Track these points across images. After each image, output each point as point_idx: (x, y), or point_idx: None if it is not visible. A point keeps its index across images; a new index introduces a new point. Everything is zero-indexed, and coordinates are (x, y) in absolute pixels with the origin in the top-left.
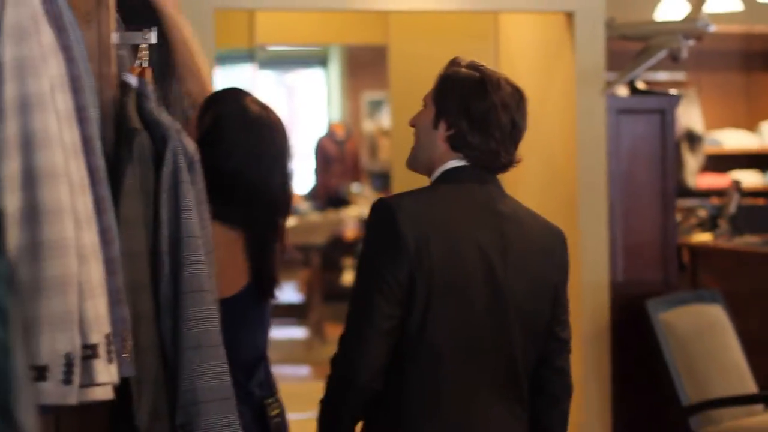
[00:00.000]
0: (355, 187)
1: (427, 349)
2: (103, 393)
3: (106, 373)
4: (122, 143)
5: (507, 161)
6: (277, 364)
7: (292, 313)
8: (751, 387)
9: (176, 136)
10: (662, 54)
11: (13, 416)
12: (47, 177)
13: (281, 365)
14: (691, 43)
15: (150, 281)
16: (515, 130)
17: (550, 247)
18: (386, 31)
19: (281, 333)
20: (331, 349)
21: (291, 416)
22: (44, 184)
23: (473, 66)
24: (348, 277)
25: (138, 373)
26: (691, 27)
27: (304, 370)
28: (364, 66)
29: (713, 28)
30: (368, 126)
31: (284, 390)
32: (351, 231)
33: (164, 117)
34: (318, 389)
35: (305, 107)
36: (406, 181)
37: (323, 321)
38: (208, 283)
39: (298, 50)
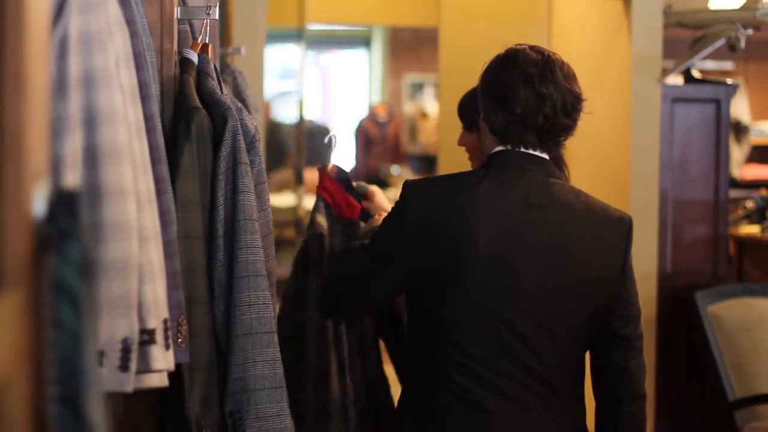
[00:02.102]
0: (395, 169)
1: (432, 330)
2: (159, 380)
3: (163, 360)
4: (181, 122)
5: (539, 137)
6: None
7: None
8: None
9: (236, 116)
10: (720, 43)
11: (81, 410)
12: (111, 155)
13: None
14: (750, 32)
15: (205, 265)
16: (543, 102)
17: (600, 240)
18: (438, 12)
19: None
20: None
21: None
22: (108, 162)
23: (506, 49)
24: None
25: (191, 359)
26: (750, 16)
27: None
28: (407, 48)
29: None
30: (409, 108)
31: None
32: None
33: (224, 96)
34: None
35: (348, 88)
36: (451, 165)
37: None
38: (263, 268)
39: (343, 30)
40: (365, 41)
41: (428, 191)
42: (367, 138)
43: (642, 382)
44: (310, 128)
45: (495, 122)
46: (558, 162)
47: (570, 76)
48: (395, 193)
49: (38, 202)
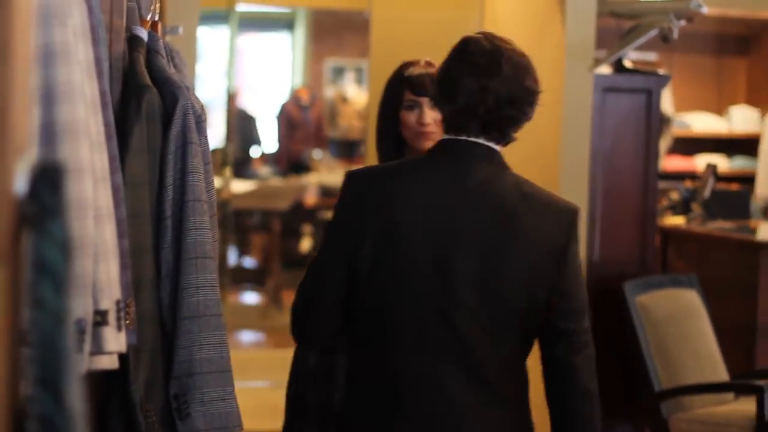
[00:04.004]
0: (316, 154)
1: (371, 322)
2: (109, 362)
3: (115, 341)
4: (131, 100)
5: (482, 127)
6: (233, 330)
7: (249, 279)
8: (723, 375)
9: (186, 94)
10: (652, 33)
11: (61, 392)
12: (69, 133)
13: (237, 331)
14: (683, 23)
15: (152, 245)
16: (485, 94)
17: (539, 230)
18: None
19: (238, 299)
20: (288, 316)
21: (246, 384)
22: (66, 139)
23: (462, 37)
24: (307, 244)
25: (137, 341)
26: (684, 7)
27: (260, 337)
28: (329, 32)
29: (705, 10)
30: (329, 93)
31: (240, 357)
32: (311, 197)
33: (174, 74)
34: (273, 357)
35: (271, 71)
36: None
37: (281, 288)
38: (212, 250)
39: (266, 12)
40: (288, 24)
41: (367, 181)
42: (289, 121)
43: (589, 378)
44: (240, 113)
45: (443, 111)
46: None
47: (521, 68)
48: (318, 177)
49: (21, 178)
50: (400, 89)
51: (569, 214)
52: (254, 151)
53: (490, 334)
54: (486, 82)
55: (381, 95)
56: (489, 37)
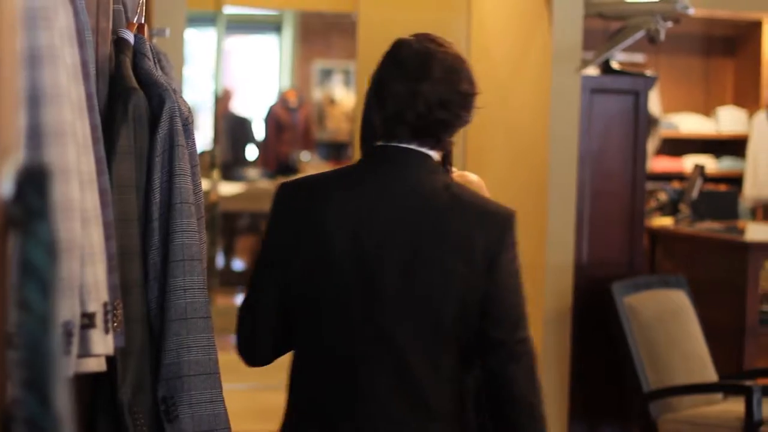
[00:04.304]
0: (305, 156)
1: (306, 335)
2: (97, 364)
3: (102, 344)
4: (118, 103)
5: (413, 132)
6: (222, 333)
7: (238, 281)
8: (711, 375)
9: (173, 97)
10: (639, 35)
11: (47, 394)
12: (55, 135)
13: (225, 334)
14: (670, 24)
15: (140, 248)
16: (415, 98)
17: (466, 235)
18: None
19: (225, 301)
20: None
21: (234, 386)
22: (52, 142)
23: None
24: None
25: (125, 344)
26: (670, 8)
27: None
28: (316, 34)
29: (692, 11)
30: (317, 95)
31: (228, 359)
32: None
33: (161, 76)
34: None
35: (259, 73)
36: None
37: None
38: (199, 252)
39: (254, 15)
40: (276, 26)
41: (295, 192)
42: (277, 124)
43: (527, 390)
44: (230, 114)
45: (375, 117)
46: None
47: (454, 71)
48: None
49: (7, 181)
50: None
51: (502, 219)
52: (250, 154)
53: (423, 345)
54: (415, 86)
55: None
56: (422, 39)
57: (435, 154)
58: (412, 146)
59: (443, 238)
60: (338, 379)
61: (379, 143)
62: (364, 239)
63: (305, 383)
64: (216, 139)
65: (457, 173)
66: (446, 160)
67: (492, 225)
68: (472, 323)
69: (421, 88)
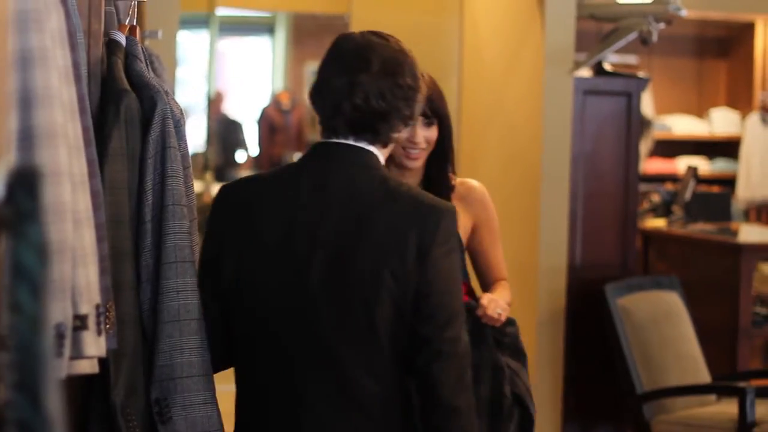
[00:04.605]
0: (297, 157)
1: (239, 334)
2: (89, 366)
3: (95, 346)
4: (110, 105)
5: (351, 126)
6: None
7: None
8: (705, 377)
9: (165, 99)
10: (632, 36)
11: (39, 396)
12: (47, 137)
13: None
14: (662, 26)
15: (132, 250)
16: (352, 91)
17: (397, 230)
18: (349, 0)
19: None
20: None
21: (227, 388)
22: (43, 144)
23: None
24: None
25: (117, 345)
26: (663, 10)
27: None
28: (309, 35)
29: (684, 12)
30: None
31: None
32: None
33: (153, 78)
34: None
35: (250, 74)
36: None
37: None
38: (191, 254)
39: (247, 16)
40: (269, 28)
41: (231, 193)
42: (270, 125)
43: (453, 392)
44: (222, 116)
45: (318, 113)
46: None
47: (394, 63)
48: None
49: None
50: None
51: (435, 214)
52: (240, 156)
53: (359, 350)
54: (353, 78)
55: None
56: (366, 33)
57: (376, 150)
58: (350, 141)
59: (373, 237)
60: (278, 390)
61: (319, 140)
62: (296, 241)
63: (247, 393)
64: (209, 141)
65: (458, 180)
66: (446, 166)
67: (424, 219)
68: (406, 321)
69: (359, 80)
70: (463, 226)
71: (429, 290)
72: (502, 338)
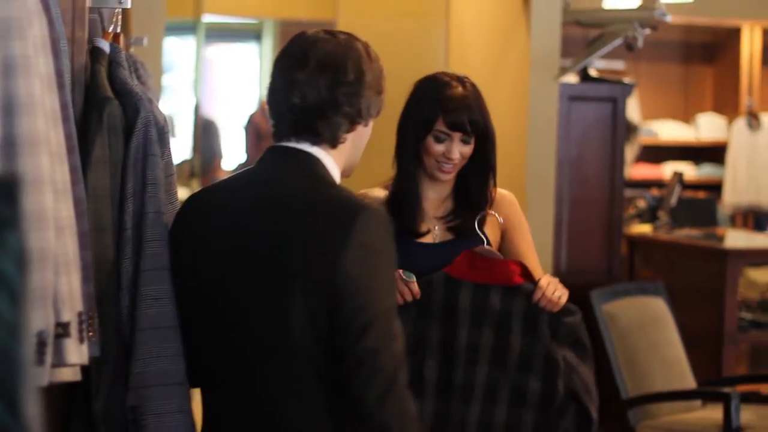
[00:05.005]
0: None
1: (188, 348)
2: (72, 374)
3: (77, 353)
4: (93, 112)
5: (293, 128)
6: None
7: None
8: (690, 382)
9: (148, 106)
10: (617, 42)
11: (17, 406)
12: (29, 145)
13: None
14: (648, 31)
15: (114, 257)
16: (290, 90)
17: (318, 237)
18: (334, 6)
19: None
20: None
21: None
22: (26, 152)
23: None
24: None
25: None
26: (648, 16)
27: None
28: None
29: (670, 18)
30: None
31: None
32: None
33: (136, 86)
34: None
35: (238, 81)
36: None
37: None
38: (169, 262)
39: (233, 23)
40: (256, 35)
41: (191, 201)
42: (257, 132)
43: (376, 409)
44: (204, 122)
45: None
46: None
47: (335, 57)
48: None
49: None
50: (433, 114)
51: (350, 216)
52: (219, 161)
53: (281, 366)
54: (290, 76)
55: (407, 106)
56: (317, 30)
57: (322, 152)
58: (291, 143)
59: (297, 244)
60: (219, 409)
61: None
62: (225, 251)
63: (204, 413)
64: (195, 149)
65: (498, 191)
66: (488, 180)
67: (339, 223)
68: (336, 340)
69: (296, 78)
70: (493, 233)
71: (341, 297)
72: (558, 328)
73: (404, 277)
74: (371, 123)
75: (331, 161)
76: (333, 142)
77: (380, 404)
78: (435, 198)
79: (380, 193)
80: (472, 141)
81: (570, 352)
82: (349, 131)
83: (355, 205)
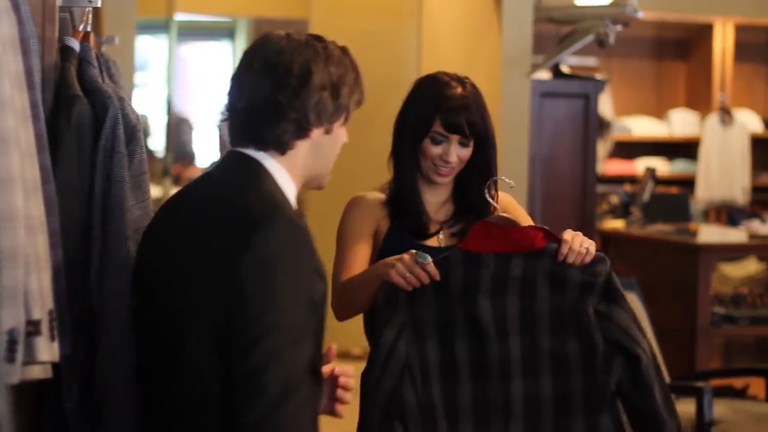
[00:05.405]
0: None
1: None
2: (42, 372)
3: (48, 351)
4: (62, 110)
5: (241, 133)
6: None
7: None
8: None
9: (117, 105)
10: (589, 38)
11: None
12: None
13: None
14: (619, 28)
15: (84, 256)
16: (237, 92)
17: (216, 247)
18: (307, 5)
19: None
20: None
21: None
22: None
23: None
24: None
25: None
26: (620, 12)
27: None
28: None
29: (641, 14)
30: None
31: None
32: None
33: (106, 84)
34: None
35: (211, 80)
36: None
37: None
38: (130, 259)
39: (207, 22)
40: (229, 33)
41: (162, 206)
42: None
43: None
44: (177, 121)
45: None
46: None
47: (281, 55)
48: None
49: None
50: (430, 114)
51: (257, 221)
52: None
53: (184, 379)
54: (239, 78)
55: (405, 105)
56: (279, 32)
57: (269, 158)
58: (239, 148)
59: (200, 254)
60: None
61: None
62: (153, 257)
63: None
64: (168, 147)
65: (501, 194)
66: (483, 186)
67: (239, 232)
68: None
69: (243, 79)
70: None
71: (236, 306)
72: (594, 279)
73: (419, 259)
74: (337, 130)
75: (280, 168)
76: (280, 149)
77: (257, 430)
78: (434, 202)
79: (377, 195)
80: (471, 144)
81: (602, 302)
82: (298, 137)
83: (266, 212)
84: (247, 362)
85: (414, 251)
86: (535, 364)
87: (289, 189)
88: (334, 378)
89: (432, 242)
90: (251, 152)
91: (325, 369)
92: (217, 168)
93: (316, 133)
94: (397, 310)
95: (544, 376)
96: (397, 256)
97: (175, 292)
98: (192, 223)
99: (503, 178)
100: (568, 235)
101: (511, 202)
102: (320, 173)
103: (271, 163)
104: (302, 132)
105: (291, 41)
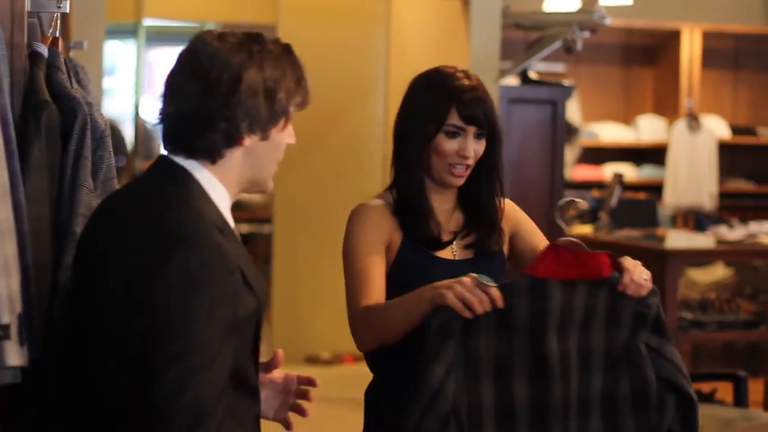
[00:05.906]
0: None
1: None
2: (12, 376)
3: (17, 356)
4: (30, 116)
5: (170, 140)
6: None
7: None
8: None
9: (86, 110)
10: (557, 45)
11: None
12: None
13: None
14: (587, 34)
15: (52, 260)
16: (168, 95)
17: (129, 261)
18: (275, 9)
19: None
20: None
21: None
22: None
23: None
24: None
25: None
26: (587, 18)
27: None
28: None
29: (609, 21)
30: None
31: None
32: None
33: (75, 89)
34: None
35: None
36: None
37: None
38: None
39: (175, 27)
40: None
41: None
42: None
43: None
44: (145, 126)
45: None
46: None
47: (204, 57)
48: None
49: None
50: (445, 106)
51: (168, 243)
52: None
53: (108, 404)
54: (169, 82)
55: (408, 103)
56: (213, 31)
57: (199, 167)
58: (168, 155)
59: (113, 265)
60: None
61: None
62: (82, 265)
63: None
64: (136, 151)
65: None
66: (497, 186)
67: (155, 247)
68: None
69: (173, 83)
70: (506, 247)
71: (146, 329)
72: (647, 311)
73: (482, 281)
74: (275, 135)
75: (210, 178)
76: (210, 158)
77: None
78: (442, 209)
79: (384, 204)
80: (485, 139)
81: (653, 336)
82: (229, 146)
83: (186, 232)
84: (160, 385)
85: (474, 274)
86: (586, 405)
87: (221, 199)
88: (288, 384)
89: (446, 254)
90: (180, 160)
91: (276, 374)
92: (147, 175)
93: (250, 140)
94: (450, 342)
95: (594, 418)
96: (454, 279)
97: (96, 310)
98: (113, 238)
99: (575, 198)
100: (630, 263)
101: (514, 207)
102: (259, 179)
103: (202, 173)
104: (233, 141)
105: (225, 43)
